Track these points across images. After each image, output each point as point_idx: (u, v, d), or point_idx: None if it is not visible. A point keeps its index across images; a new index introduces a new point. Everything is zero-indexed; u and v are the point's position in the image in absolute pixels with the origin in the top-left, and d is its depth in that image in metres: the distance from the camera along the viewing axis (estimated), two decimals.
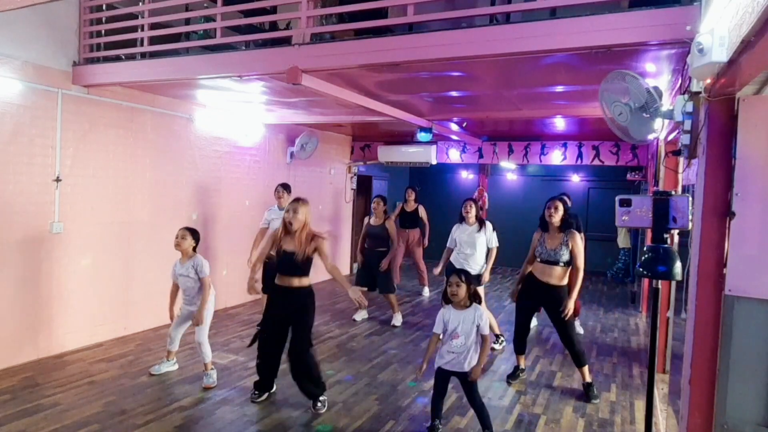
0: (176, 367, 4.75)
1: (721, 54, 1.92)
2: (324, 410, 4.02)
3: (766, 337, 2.07)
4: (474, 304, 3.57)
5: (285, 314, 4.02)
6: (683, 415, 2.37)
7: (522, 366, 4.93)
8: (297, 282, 3.97)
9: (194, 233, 4.53)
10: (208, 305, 4.46)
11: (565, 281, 4.58)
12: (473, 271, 5.40)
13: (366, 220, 6.90)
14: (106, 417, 3.79)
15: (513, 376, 4.87)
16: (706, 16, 2.47)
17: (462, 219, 5.74)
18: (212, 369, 4.51)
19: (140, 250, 5.81)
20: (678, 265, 2.87)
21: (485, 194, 10.35)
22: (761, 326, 2.07)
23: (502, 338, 5.81)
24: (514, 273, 5.46)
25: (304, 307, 4.01)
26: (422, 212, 8.49)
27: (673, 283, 4.44)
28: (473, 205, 5.75)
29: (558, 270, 4.52)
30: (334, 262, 4.11)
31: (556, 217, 4.54)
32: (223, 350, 5.32)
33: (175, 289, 4.56)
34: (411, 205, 8.44)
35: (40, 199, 4.81)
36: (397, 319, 6.63)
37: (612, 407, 4.34)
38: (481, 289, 5.65)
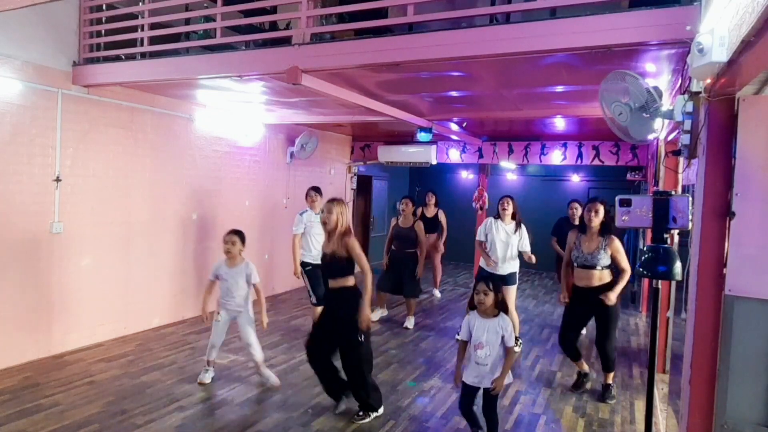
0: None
1: (721, 54, 1.92)
2: (360, 422, 3.86)
3: (766, 337, 2.07)
4: (501, 313, 3.43)
5: (329, 316, 3.96)
6: (683, 415, 2.37)
7: (585, 370, 4.68)
8: (337, 283, 3.91)
9: (241, 236, 4.46)
10: (250, 305, 4.48)
11: (608, 281, 4.40)
12: (504, 272, 5.26)
13: (393, 221, 6.80)
14: (106, 417, 3.79)
15: (578, 385, 4.63)
16: (706, 16, 2.47)
17: (497, 216, 5.52)
18: (266, 368, 4.50)
19: (140, 250, 5.80)
20: (678, 265, 2.87)
21: (485, 194, 10.33)
22: (761, 326, 2.07)
23: (519, 341, 5.69)
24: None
25: (344, 307, 3.88)
26: (442, 217, 8.29)
27: (673, 283, 4.44)
28: (511, 202, 5.48)
29: (596, 274, 4.39)
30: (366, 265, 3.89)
31: (596, 221, 4.40)
32: (223, 350, 5.30)
33: (211, 286, 4.48)
34: (431, 210, 8.27)
35: (40, 199, 4.81)
36: (410, 322, 6.55)
37: (612, 407, 4.34)
38: (513, 292, 5.59)
